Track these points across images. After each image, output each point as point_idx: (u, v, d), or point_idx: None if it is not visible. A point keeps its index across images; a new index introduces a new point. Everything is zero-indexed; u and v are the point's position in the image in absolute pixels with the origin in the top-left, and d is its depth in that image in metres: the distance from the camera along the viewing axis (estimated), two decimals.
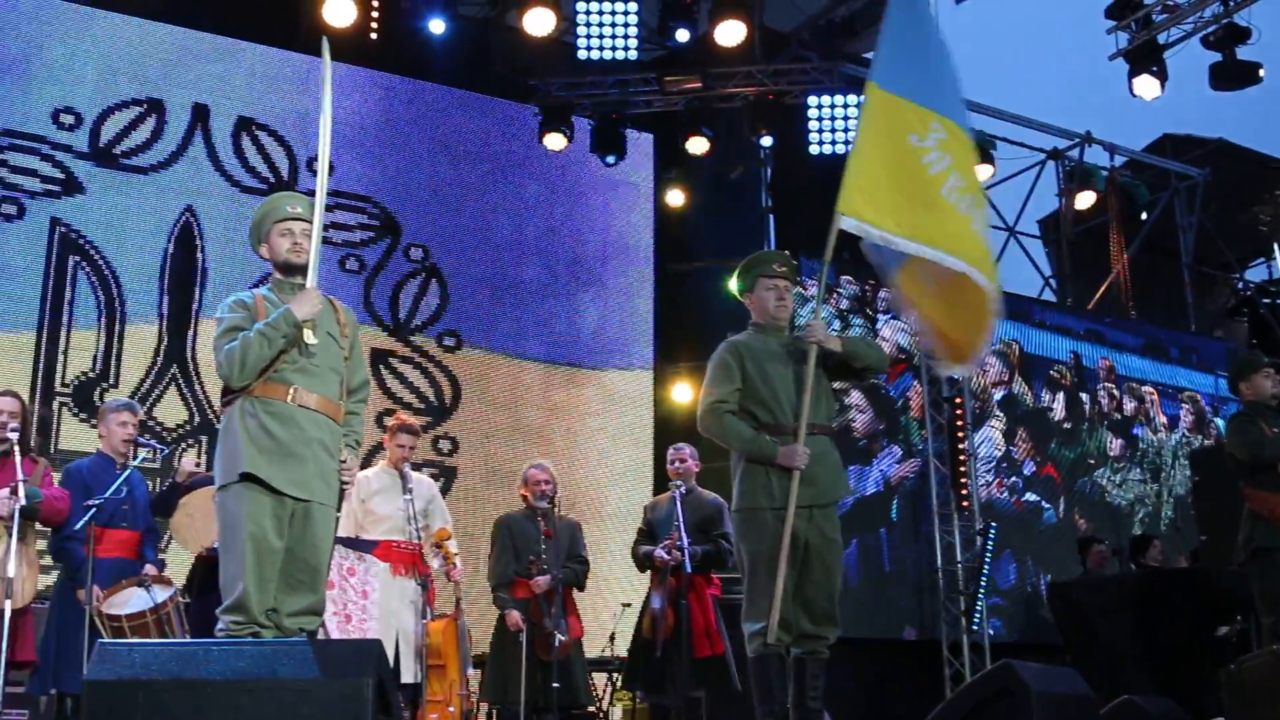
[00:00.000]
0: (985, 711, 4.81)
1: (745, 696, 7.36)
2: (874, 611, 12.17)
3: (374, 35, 11.64)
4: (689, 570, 7.66)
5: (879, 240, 5.90)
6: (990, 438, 13.23)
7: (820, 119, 12.52)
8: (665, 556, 7.84)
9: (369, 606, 7.52)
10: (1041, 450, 13.52)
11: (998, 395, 13.42)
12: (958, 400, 12.64)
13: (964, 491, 12.46)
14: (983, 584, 12.09)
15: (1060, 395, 13.83)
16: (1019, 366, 13.67)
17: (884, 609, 12.32)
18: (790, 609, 5.66)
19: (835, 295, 12.64)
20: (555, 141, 12.56)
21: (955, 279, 5.92)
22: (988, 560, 12.16)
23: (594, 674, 9.42)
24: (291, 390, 4.86)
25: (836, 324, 12.47)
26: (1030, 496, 13.31)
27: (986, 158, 13.21)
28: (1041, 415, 13.67)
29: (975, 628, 12.06)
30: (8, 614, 6.16)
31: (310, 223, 5.06)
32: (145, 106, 11.63)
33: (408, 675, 7.34)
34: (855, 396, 12.51)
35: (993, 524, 12.32)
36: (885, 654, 12.18)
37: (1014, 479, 13.26)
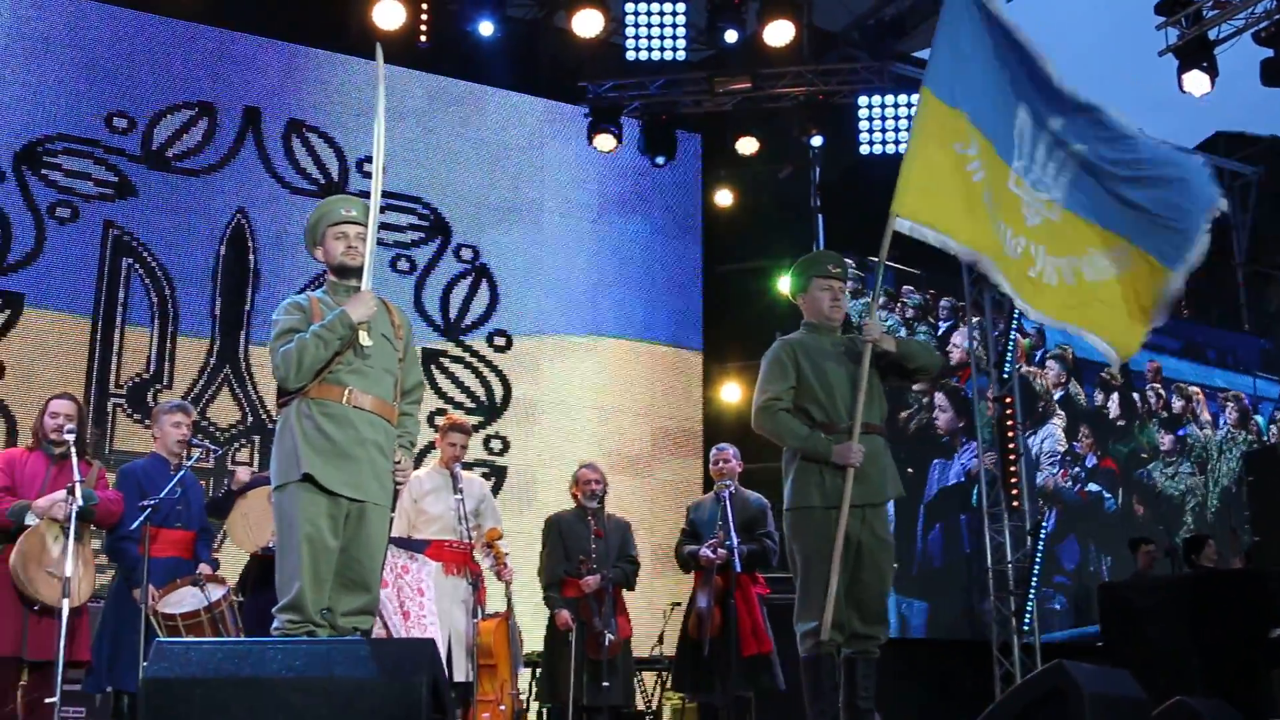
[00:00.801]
0: (1036, 713, 4.78)
1: (790, 696, 7.36)
2: (960, 585, 12.75)
3: (423, 38, 11.68)
4: (739, 569, 7.65)
5: (934, 241, 5.91)
6: (1053, 434, 13.73)
7: (870, 118, 12.47)
8: (711, 555, 7.84)
9: (426, 604, 7.54)
10: (1101, 445, 14.08)
11: (1057, 395, 13.95)
12: (1008, 400, 12.55)
13: (1014, 491, 12.38)
14: (1033, 585, 12.01)
15: (1114, 395, 14.35)
16: (1074, 369, 14.06)
17: (969, 582, 12.83)
18: (842, 609, 5.65)
19: (900, 304, 12.79)
20: (604, 142, 12.57)
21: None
22: (1038, 561, 12.07)
23: (643, 673, 9.43)
24: (347, 392, 4.90)
25: (902, 331, 12.64)
26: (1092, 486, 13.90)
27: None
28: (1098, 414, 14.20)
29: (1026, 628, 11.98)
30: (65, 613, 6.22)
31: (364, 225, 5.09)
32: (197, 110, 11.73)
33: (459, 674, 7.36)
34: (939, 398, 13.03)
35: (1044, 525, 12.24)
36: (935, 655, 12.12)
37: (1077, 469, 13.80)
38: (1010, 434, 12.48)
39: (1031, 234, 6.19)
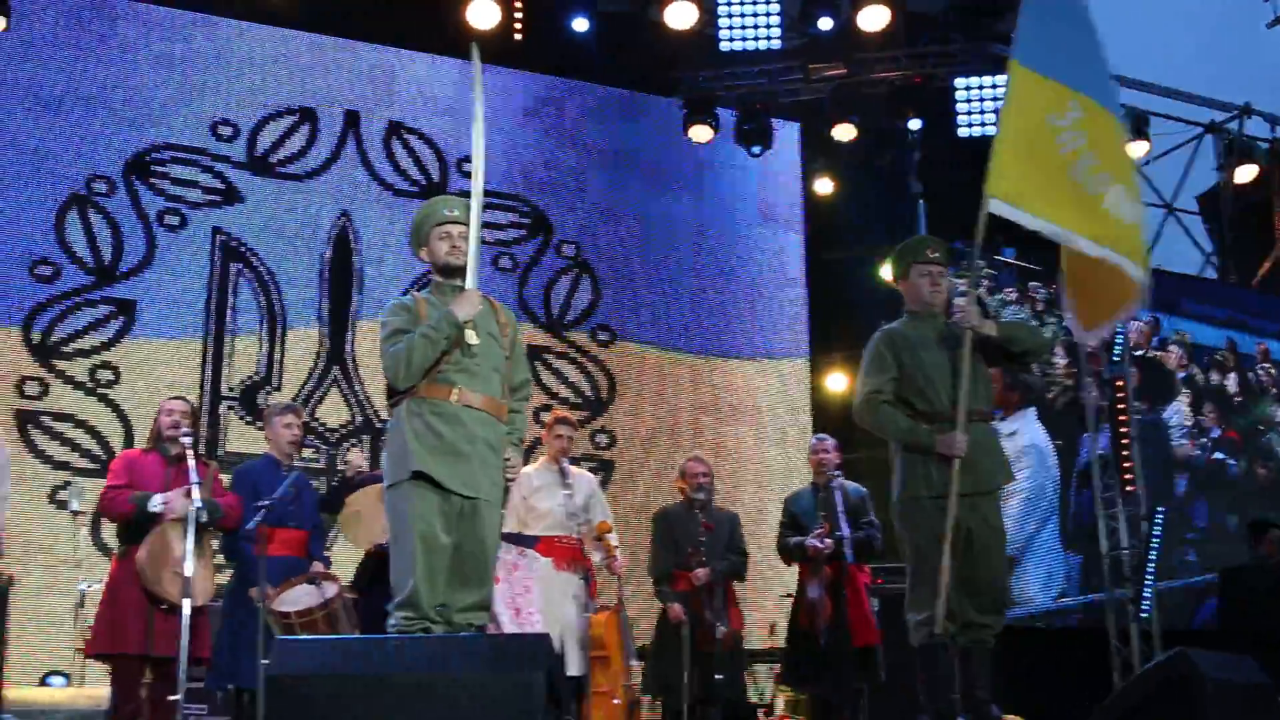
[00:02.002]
0: (1158, 701, 4.71)
1: (899, 687, 7.32)
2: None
3: (518, 35, 11.74)
4: (851, 560, 7.62)
5: (1026, 223, 5.83)
6: (1180, 409, 14.14)
7: (969, 100, 12.34)
8: (820, 546, 7.81)
9: (534, 600, 7.59)
10: (1224, 419, 14.48)
11: (1180, 375, 14.33)
12: (1119, 382, 12.35)
13: (1127, 476, 12.18)
14: (1150, 570, 11.81)
15: (1231, 375, 14.69)
16: (1190, 353, 14.35)
17: None
18: (955, 598, 5.60)
19: (1030, 299, 12.85)
20: (701, 134, 12.55)
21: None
22: (1155, 546, 11.89)
23: (755, 665, 9.41)
24: (455, 390, 4.94)
25: (1034, 323, 12.76)
26: (1218, 455, 14.30)
27: (1141, 134, 12.97)
28: (1219, 391, 14.57)
29: (1144, 615, 11.79)
30: (187, 612, 6.34)
31: (467, 225, 5.13)
32: (298, 115, 11.89)
33: (573, 668, 7.40)
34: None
35: (1159, 509, 12.05)
36: (1051, 643, 11.97)
37: (1204, 440, 14.22)
38: (1122, 418, 12.29)
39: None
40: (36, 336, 10.59)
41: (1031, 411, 12.81)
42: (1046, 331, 12.39)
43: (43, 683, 9.09)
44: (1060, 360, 13.06)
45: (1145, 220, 6.09)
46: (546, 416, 8.23)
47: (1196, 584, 13.26)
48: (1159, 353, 14.05)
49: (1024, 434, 12.71)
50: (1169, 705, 4.65)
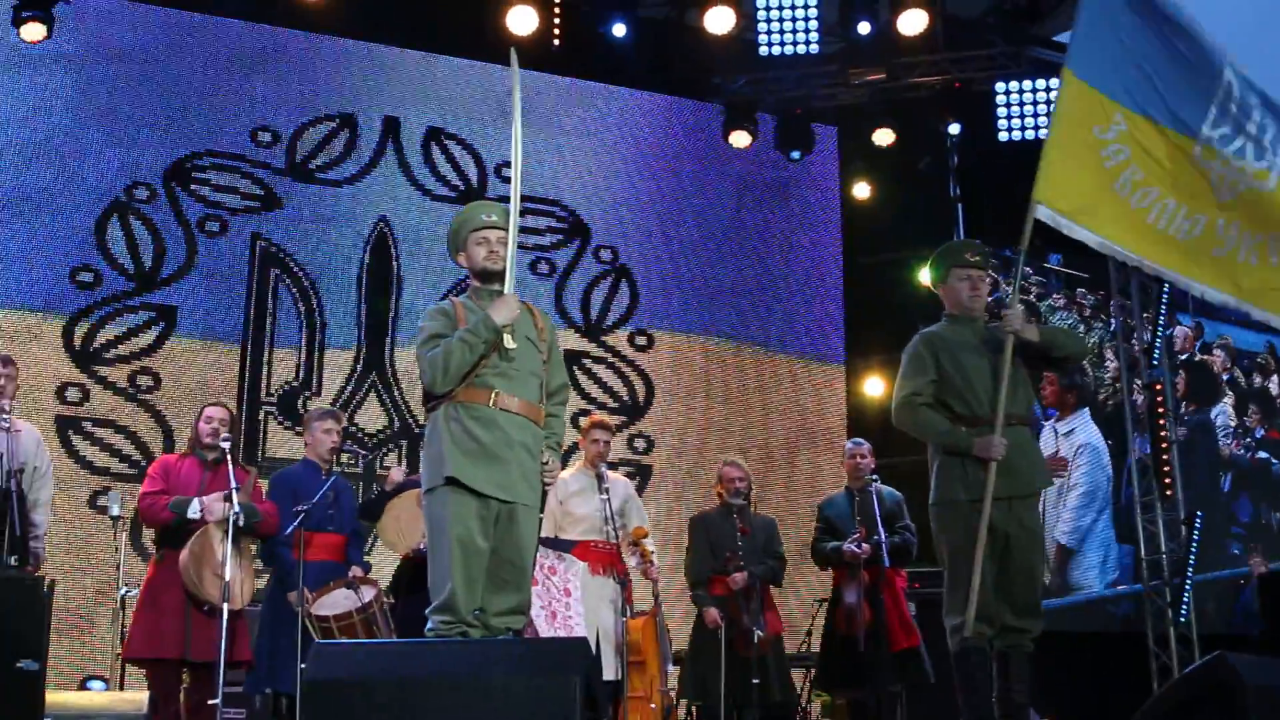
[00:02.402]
0: (1198, 707, 4.65)
1: (940, 689, 7.28)
2: None
3: (556, 41, 11.76)
4: (888, 564, 7.60)
5: (1069, 231, 5.83)
6: (1225, 410, 14.40)
7: (1008, 105, 12.29)
8: (856, 550, 7.80)
9: (572, 604, 7.59)
10: (1268, 419, 14.77)
11: (1225, 378, 14.61)
12: (1157, 386, 12.27)
13: (1167, 480, 12.09)
14: (1190, 574, 11.73)
15: (1274, 377, 15.00)
16: (1232, 356, 14.61)
17: None
18: (992, 602, 5.58)
19: (1078, 305, 12.92)
20: (739, 139, 12.54)
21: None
22: (1194, 550, 11.81)
23: (791, 669, 9.38)
24: (493, 394, 4.95)
25: (1081, 329, 12.98)
26: (1261, 454, 14.59)
27: None
28: (1262, 393, 14.87)
29: (1183, 619, 11.71)
30: (226, 615, 6.37)
31: (505, 230, 5.14)
32: (338, 121, 11.93)
33: (609, 672, 7.39)
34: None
35: (1199, 513, 11.97)
36: (1089, 647, 11.90)
37: (1248, 439, 14.51)
38: (1161, 422, 12.20)
39: (1223, 209, 6.01)
40: (78, 342, 10.65)
41: (1085, 411, 12.93)
42: (1093, 337, 12.42)
43: (82, 687, 9.13)
44: (1111, 363, 13.20)
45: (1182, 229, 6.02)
46: (583, 421, 8.23)
47: (1239, 573, 13.55)
48: (1205, 356, 14.25)
49: (1080, 433, 12.88)
50: (1208, 710, 4.59)
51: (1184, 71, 6.06)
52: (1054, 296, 12.94)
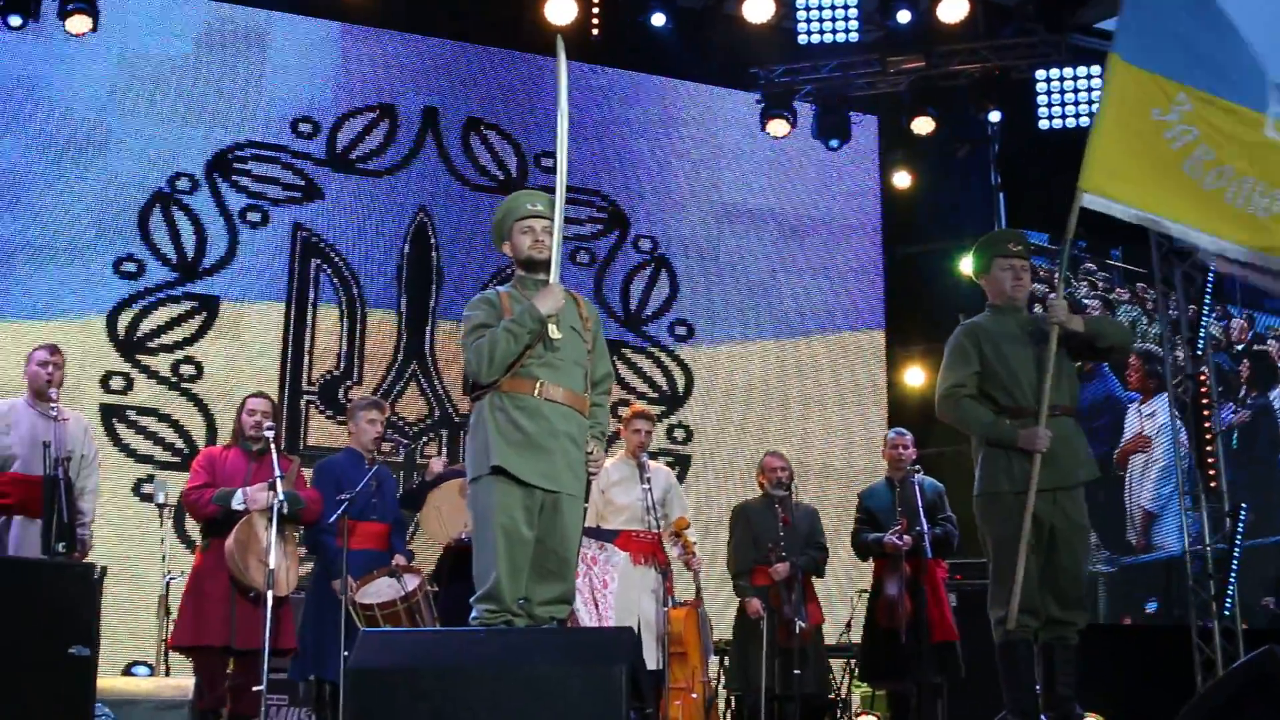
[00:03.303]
0: (1245, 702, 4.62)
1: (982, 683, 7.26)
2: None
3: (595, 31, 11.75)
4: (930, 555, 7.58)
5: (1121, 214, 5.77)
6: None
7: (1049, 92, 12.20)
8: (898, 542, 7.78)
9: (608, 595, 7.61)
10: None
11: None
12: (1202, 376, 12.16)
13: (1211, 472, 11.99)
14: (1234, 568, 11.63)
15: None
16: None
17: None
18: (1037, 594, 5.56)
19: (1140, 299, 13.04)
20: (778, 128, 12.50)
21: None
22: (1239, 543, 11.70)
23: (832, 660, 9.38)
24: (538, 384, 4.96)
25: (1144, 322, 13.16)
26: None
27: None
28: None
29: (1227, 613, 11.62)
30: (270, 603, 6.42)
31: (550, 219, 5.15)
32: (378, 112, 11.96)
33: (650, 663, 7.38)
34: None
35: (1243, 504, 11.86)
36: (1133, 641, 11.85)
37: None
38: (1205, 414, 12.10)
39: None
40: (121, 332, 10.73)
41: (1165, 395, 12.98)
42: (1156, 330, 12.46)
43: (127, 672, 9.23)
44: (1179, 352, 13.19)
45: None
46: (624, 411, 8.23)
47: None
48: (1262, 346, 14.20)
49: (1160, 414, 13.03)
50: (1257, 705, 4.55)
51: (1240, 49, 6.00)
52: (1118, 291, 13.03)
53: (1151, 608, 12.64)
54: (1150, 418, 13.07)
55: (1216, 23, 5.99)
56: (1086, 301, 12.95)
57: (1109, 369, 13.05)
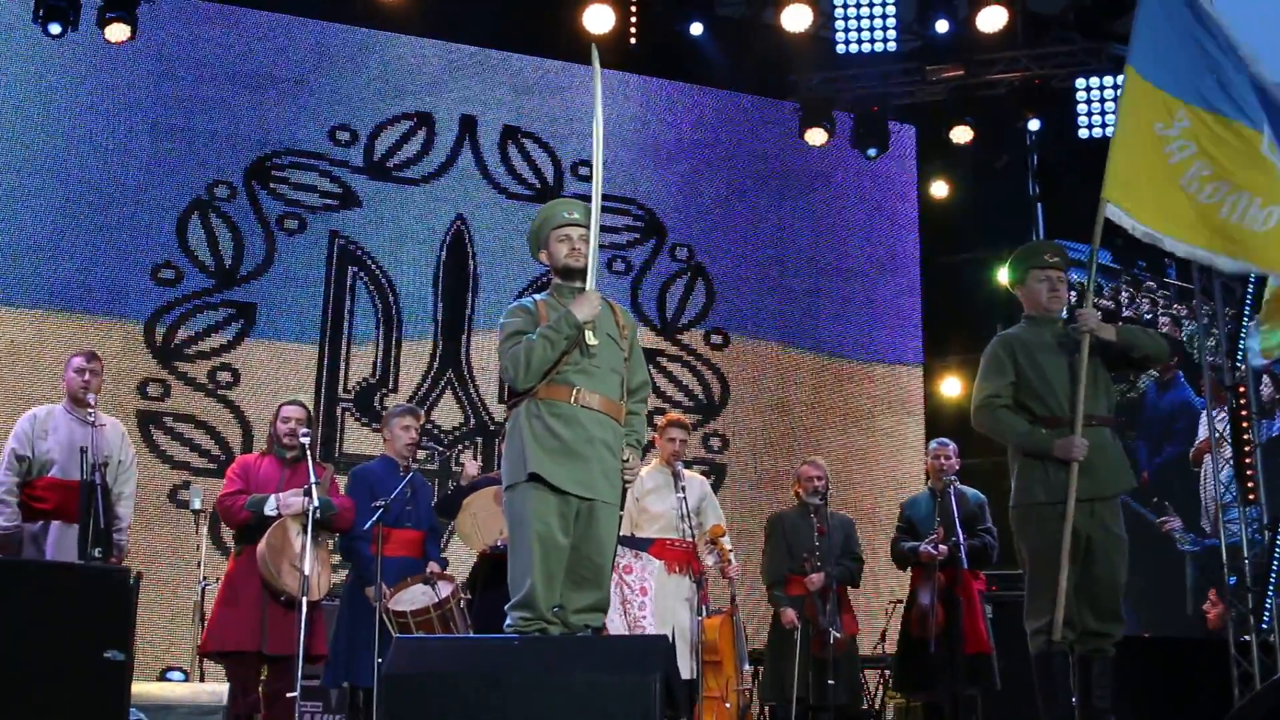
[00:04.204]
0: None
1: (1016, 695, 7.20)
2: None
3: (633, 40, 11.76)
4: (965, 566, 7.53)
5: (1132, 231, 5.83)
6: None
7: (1089, 101, 12.14)
8: (933, 552, 7.74)
9: (646, 603, 7.59)
10: None
11: None
12: (1240, 389, 12.06)
13: (1250, 485, 11.88)
14: (1272, 581, 11.53)
15: None
16: None
17: None
18: (1074, 605, 5.51)
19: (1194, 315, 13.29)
20: (816, 137, 12.48)
21: None
22: (1278, 555, 11.60)
23: (866, 671, 9.34)
24: (574, 391, 4.94)
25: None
26: None
27: None
28: None
29: (1265, 626, 11.50)
30: (304, 609, 6.42)
31: (587, 227, 5.14)
32: (415, 120, 12.00)
33: (684, 671, 7.35)
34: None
35: None
36: (1169, 654, 11.72)
37: None
38: (1245, 424, 11.99)
39: None
40: (159, 339, 10.79)
41: None
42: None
43: (161, 678, 9.25)
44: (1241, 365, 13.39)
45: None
46: (659, 419, 8.22)
47: None
48: None
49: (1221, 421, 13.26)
50: None
51: (1240, 67, 6.02)
52: (1176, 307, 13.22)
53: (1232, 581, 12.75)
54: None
55: (1218, 40, 6.01)
56: (1149, 317, 13.15)
57: (1183, 379, 13.49)
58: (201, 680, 8.37)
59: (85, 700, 4.83)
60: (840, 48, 11.74)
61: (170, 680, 9.07)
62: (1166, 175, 5.88)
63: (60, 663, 4.80)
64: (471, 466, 8.07)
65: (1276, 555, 11.61)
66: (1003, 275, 8.90)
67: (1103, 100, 12.11)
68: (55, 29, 10.29)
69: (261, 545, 6.74)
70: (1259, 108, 5.99)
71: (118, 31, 10.51)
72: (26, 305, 10.41)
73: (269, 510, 6.85)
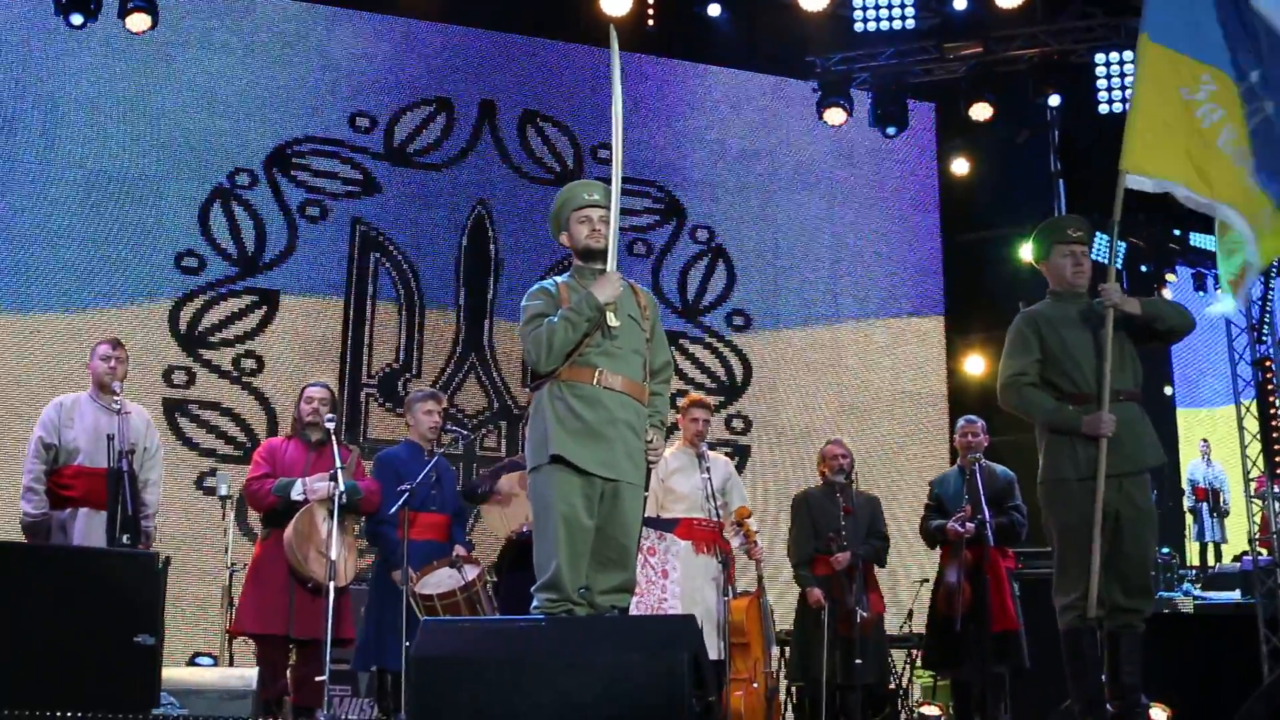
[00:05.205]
0: None
1: (1043, 673, 7.19)
2: None
3: (650, 22, 11.75)
4: (993, 543, 7.52)
5: (1162, 190, 5.80)
6: None
7: (1108, 76, 12.06)
8: (960, 529, 7.73)
9: (669, 586, 7.59)
10: None
11: None
12: (1268, 362, 12.00)
13: (1278, 459, 11.84)
14: None
15: None
16: None
17: None
18: (1103, 582, 5.50)
19: None
20: (835, 116, 12.44)
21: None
22: None
23: (894, 650, 9.33)
24: (597, 373, 4.95)
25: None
26: None
27: None
28: None
29: None
30: (331, 593, 6.45)
31: (607, 209, 5.14)
32: (434, 105, 12.01)
33: (712, 653, 7.35)
34: None
35: None
36: (1198, 629, 11.68)
37: None
38: (1271, 399, 11.95)
39: None
40: (183, 326, 10.84)
41: None
42: None
43: (190, 663, 9.31)
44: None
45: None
46: (682, 400, 8.22)
47: None
48: None
49: None
50: None
51: (1254, 30, 5.99)
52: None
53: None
54: None
55: (1221, 3, 5.98)
56: None
57: None
58: (230, 664, 8.42)
59: (117, 684, 4.87)
60: (858, 26, 11.71)
61: (199, 665, 9.12)
62: (1202, 137, 5.84)
63: (92, 647, 4.85)
64: (505, 483, 7.94)
65: None
66: (1026, 251, 8.86)
67: (1123, 75, 12.01)
68: (77, 19, 10.34)
69: (288, 532, 6.77)
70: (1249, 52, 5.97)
71: (139, 21, 10.54)
72: (49, 300, 10.48)
73: (295, 495, 6.88)
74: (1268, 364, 11.96)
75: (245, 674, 7.12)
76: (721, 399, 12.12)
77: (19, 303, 10.40)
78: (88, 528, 6.87)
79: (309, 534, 6.79)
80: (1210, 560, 14.00)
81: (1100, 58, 12.08)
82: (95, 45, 10.87)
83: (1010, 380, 5.78)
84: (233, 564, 8.71)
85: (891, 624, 9.87)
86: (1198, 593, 10.92)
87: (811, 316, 12.73)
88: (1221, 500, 14.60)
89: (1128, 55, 11.99)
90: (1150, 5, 6.00)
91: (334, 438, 6.84)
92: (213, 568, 9.76)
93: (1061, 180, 13.01)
